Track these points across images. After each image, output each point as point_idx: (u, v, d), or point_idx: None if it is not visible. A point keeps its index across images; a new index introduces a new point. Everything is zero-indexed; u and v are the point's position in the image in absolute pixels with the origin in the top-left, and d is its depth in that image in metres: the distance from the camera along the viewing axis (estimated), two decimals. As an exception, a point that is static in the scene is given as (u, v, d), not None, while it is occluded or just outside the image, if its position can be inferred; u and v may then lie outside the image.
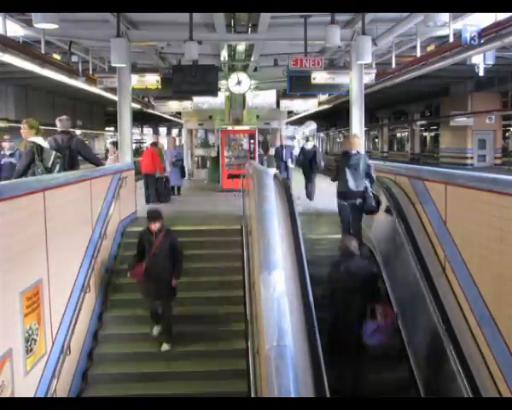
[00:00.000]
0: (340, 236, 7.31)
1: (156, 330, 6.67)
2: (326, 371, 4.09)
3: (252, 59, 14.17)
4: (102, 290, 7.15)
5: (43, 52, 10.84)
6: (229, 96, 16.80)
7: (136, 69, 11.43)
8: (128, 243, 8.18)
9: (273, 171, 7.12)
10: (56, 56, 13.63)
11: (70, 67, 12.95)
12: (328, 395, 3.91)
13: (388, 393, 5.27)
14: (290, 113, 22.32)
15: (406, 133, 36.84)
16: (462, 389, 4.41)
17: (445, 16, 7.97)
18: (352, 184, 7.12)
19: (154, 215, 6.46)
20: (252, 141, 14.95)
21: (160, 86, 11.08)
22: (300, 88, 11.66)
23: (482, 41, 9.45)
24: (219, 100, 17.72)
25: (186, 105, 15.98)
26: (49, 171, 6.27)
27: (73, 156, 7.19)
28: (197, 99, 17.16)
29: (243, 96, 16.38)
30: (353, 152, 7.24)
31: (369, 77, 12.61)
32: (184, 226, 8.73)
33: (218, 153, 15.60)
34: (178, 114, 22.92)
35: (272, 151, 15.40)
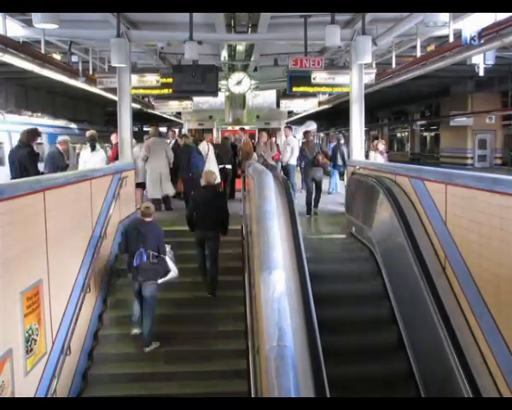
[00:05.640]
0: None
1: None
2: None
3: (252, 59, 14.17)
4: (102, 290, 7.14)
5: (43, 52, 10.83)
6: (229, 96, 16.80)
7: (136, 69, 11.42)
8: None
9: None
10: (56, 56, 13.61)
11: (70, 67, 12.93)
12: (328, 395, 3.90)
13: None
14: (290, 113, 22.30)
15: (406, 133, 36.82)
16: (462, 389, 4.41)
17: (444, 16, 7.95)
18: None
19: None
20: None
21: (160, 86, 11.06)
22: (300, 88, 11.64)
23: (482, 41, 9.41)
24: (219, 100, 17.73)
25: (186, 105, 15.96)
26: None
27: None
28: (197, 99, 17.12)
29: (243, 96, 16.37)
30: None
31: (369, 77, 12.58)
32: (184, 226, 8.71)
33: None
34: (178, 114, 22.90)
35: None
